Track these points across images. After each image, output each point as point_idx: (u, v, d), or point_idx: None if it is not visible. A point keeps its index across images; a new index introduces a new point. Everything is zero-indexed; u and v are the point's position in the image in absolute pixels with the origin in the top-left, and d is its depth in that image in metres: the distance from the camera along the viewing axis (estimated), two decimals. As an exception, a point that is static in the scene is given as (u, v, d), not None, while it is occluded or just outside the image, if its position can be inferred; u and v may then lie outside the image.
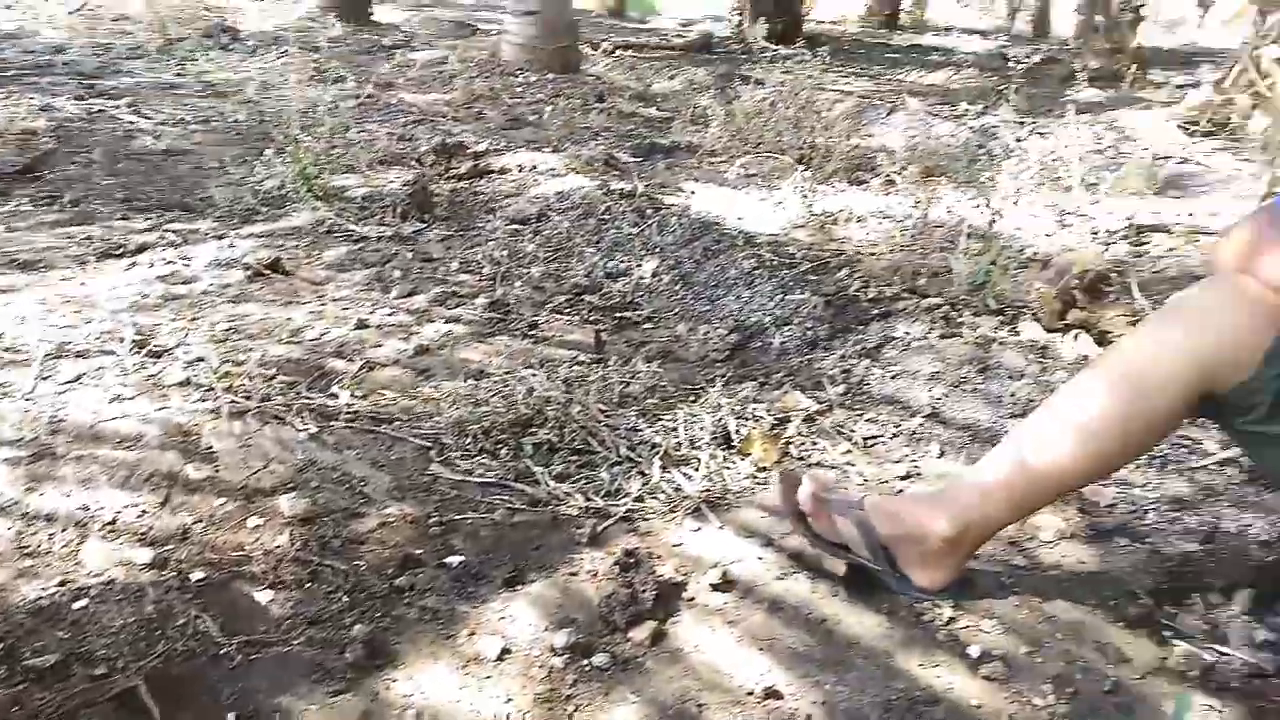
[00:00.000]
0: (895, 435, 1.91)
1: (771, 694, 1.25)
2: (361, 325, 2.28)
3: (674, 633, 1.36)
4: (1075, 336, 2.16)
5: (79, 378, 1.94)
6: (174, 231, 2.90)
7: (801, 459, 1.83)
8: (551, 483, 1.68)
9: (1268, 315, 1.23)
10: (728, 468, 1.77)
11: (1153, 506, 1.66)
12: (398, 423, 1.86)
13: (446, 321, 2.34)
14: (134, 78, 5.25)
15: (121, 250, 2.72)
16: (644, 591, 1.37)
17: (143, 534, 1.51)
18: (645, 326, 2.43)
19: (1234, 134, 4.35)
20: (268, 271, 2.56)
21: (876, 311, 2.36)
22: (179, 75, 5.38)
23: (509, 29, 6.08)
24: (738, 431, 1.87)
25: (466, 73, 5.52)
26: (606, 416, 1.88)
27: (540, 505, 1.63)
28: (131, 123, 4.22)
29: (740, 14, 8.79)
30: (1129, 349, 1.34)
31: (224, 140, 4.06)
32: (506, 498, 1.65)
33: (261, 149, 3.48)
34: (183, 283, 2.50)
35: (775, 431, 1.89)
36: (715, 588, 1.44)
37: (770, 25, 8.14)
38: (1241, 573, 1.49)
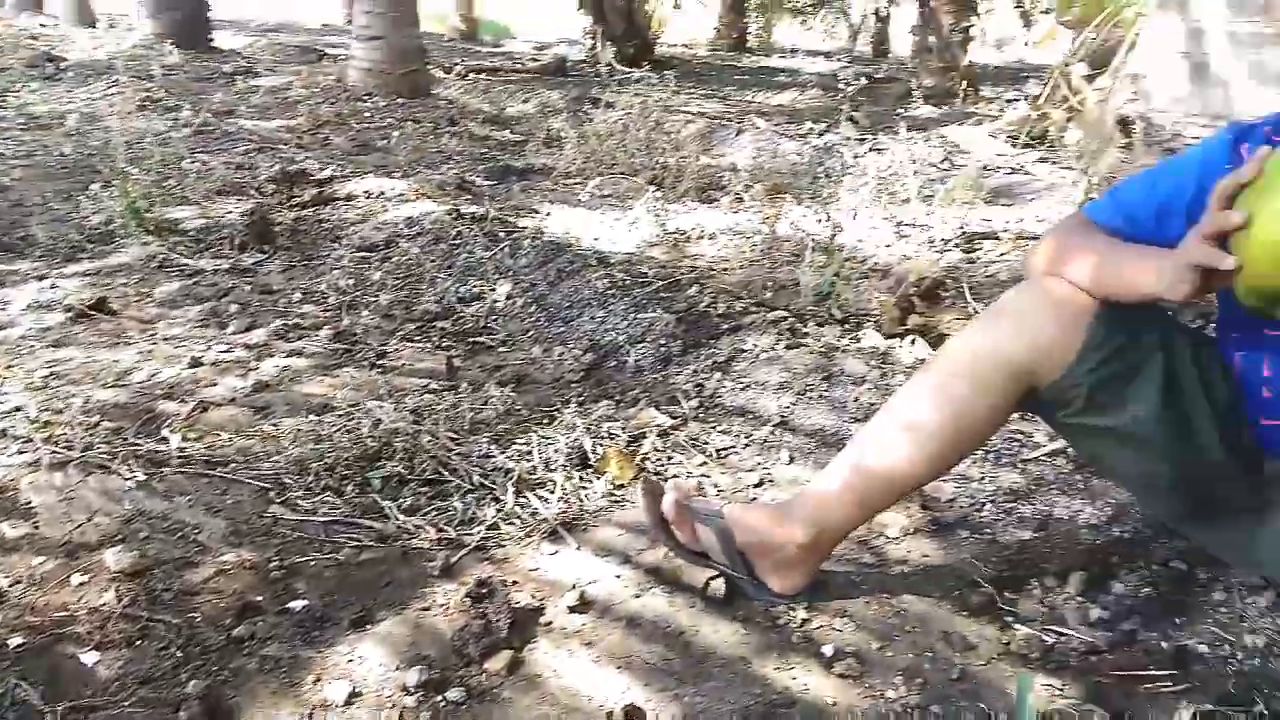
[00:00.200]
0: (747, 445, 1.94)
1: (631, 712, 1.24)
2: (195, 364, 2.17)
3: (531, 659, 1.33)
4: (913, 341, 2.25)
5: (-127, 436, 1.78)
6: (-12, 273, 2.71)
7: (658, 474, 1.83)
8: (401, 516, 1.63)
9: (1076, 315, 1.30)
10: (584, 488, 1.76)
11: (990, 499, 1.74)
12: (234, 464, 1.77)
13: (288, 355, 2.25)
14: (-54, 112, 4.89)
15: (-72, 296, 2.52)
16: (498, 620, 1.34)
17: (-51, 602, 1.38)
18: (500, 350, 2.39)
19: (1052, 146, 4.64)
20: (92, 312, 2.42)
21: (727, 326, 2.40)
22: (-2, 108, 5.04)
23: (355, 54, 5.97)
24: (594, 451, 1.86)
25: (312, 99, 5.37)
26: (458, 444, 1.84)
27: (389, 540, 1.58)
28: (-58, 159, 3.93)
29: (593, 37, 8.88)
30: (953, 352, 1.40)
31: (47, 175, 3.82)
32: (353, 535, 1.59)
33: (88, 183, 3.29)
34: (-2, 328, 2.33)
35: (631, 449, 1.89)
36: (573, 610, 1.42)
37: (622, 49, 8.25)
38: (1074, 556, 1.57)
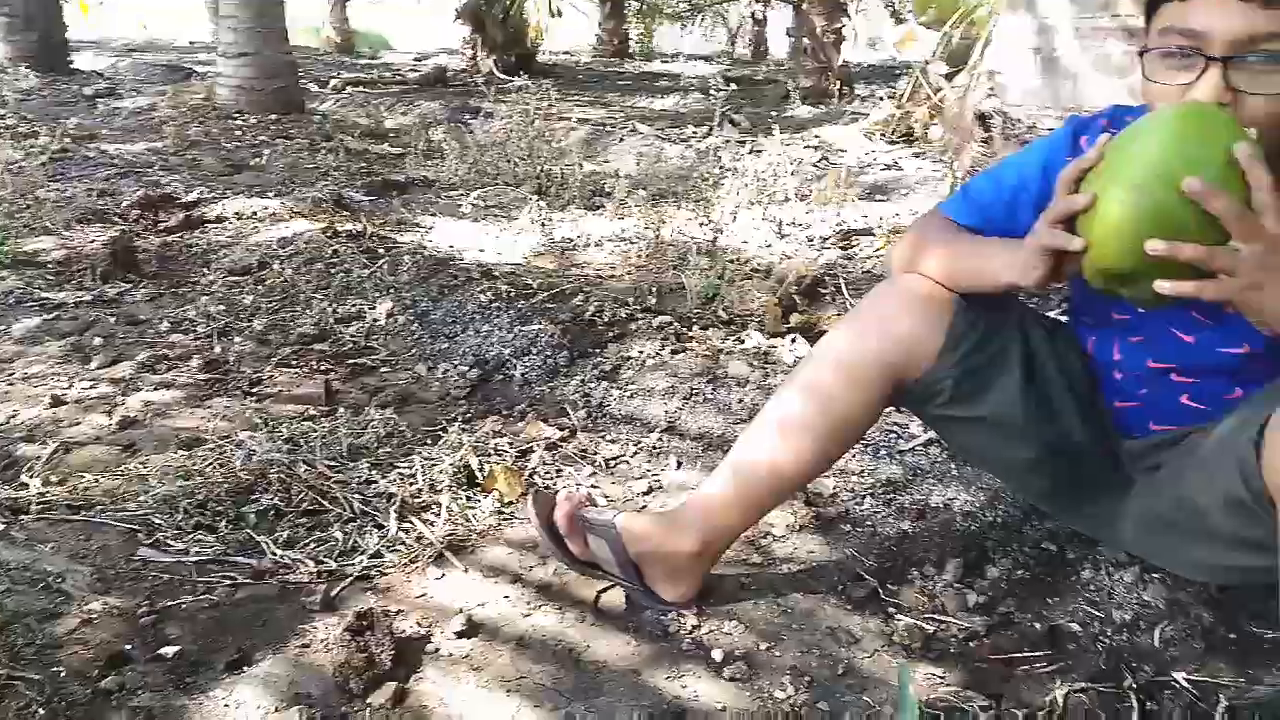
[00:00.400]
0: (636, 453, 1.94)
1: (521, 735, 1.22)
2: (56, 403, 2.05)
3: (418, 690, 1.30)
4: (794, 340, 2.29)
5: None
6: None
7: (547, 487, 1.82)
8: (278, 550, 1.57)
9: (937, 310, 1.34)
10: (471, 508, 1.73)
11: (869, 491, 1.78)
12: (99, 507, 1.68)
13: (155, 388, 2.15)
14: None
15: None
16: (380, 652, 1.31)
17: None
18: (381, 371, 2.34)
19: (918, 143, 4.80)
20: (-61, 354, 2.27)
21: (613, 334, 2.39)
22: None
23: (223, 71, 5.78)
24: (481, 469, 1.83)
25: (179, 119, 5.18)
26: (337, 472, 1.79)
27: (266, 576, 1.52)
28: None
29: (473, 47, 8.80)
30: (823, 352, 1.42)
31: (-115, 210, 3.57)
32: (228, 574, 1.53)
33: (-69, 217, 3.09)
34: None
35: (519, 464, 1.87)
36: (460, 634, 1.40)
37: (502, 58, 8.20)
38: (951, 543, 1.61)
